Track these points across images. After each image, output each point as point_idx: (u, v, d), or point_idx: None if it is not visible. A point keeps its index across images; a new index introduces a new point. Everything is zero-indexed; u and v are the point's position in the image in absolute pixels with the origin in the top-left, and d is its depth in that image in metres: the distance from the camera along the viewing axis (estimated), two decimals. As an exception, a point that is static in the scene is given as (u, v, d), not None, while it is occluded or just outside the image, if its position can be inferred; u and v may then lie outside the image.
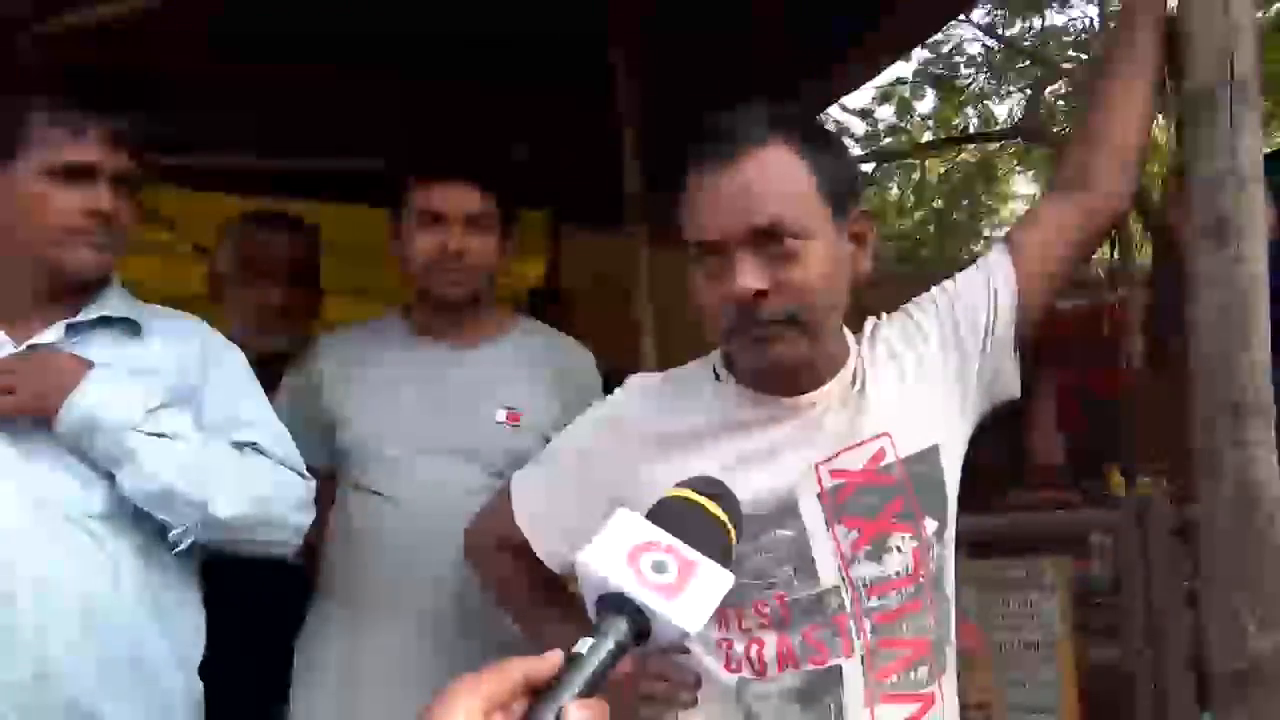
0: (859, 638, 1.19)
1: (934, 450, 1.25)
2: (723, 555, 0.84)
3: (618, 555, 0.78)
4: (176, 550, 1.42)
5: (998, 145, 7.91)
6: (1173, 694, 2.58)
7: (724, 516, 0.86)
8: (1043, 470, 4.21)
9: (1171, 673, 2.59)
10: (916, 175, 8.57)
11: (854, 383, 1.26)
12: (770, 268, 1.14)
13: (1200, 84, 1.18)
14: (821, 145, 1.19)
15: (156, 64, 2.51)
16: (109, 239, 1.47)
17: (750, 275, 1.13)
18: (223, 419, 1.51)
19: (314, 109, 2.84)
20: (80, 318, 1.48)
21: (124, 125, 1.47)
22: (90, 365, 1.42)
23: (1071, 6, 6.83)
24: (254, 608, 1.73)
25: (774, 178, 1.14)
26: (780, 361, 1.18)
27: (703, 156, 1.17)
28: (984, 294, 1.30)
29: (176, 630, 1.46)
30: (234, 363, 1.59)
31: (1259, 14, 5.08)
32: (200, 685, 1.50)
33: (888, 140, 7.92)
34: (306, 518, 1.52)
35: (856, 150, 7.94)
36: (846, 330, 1.29)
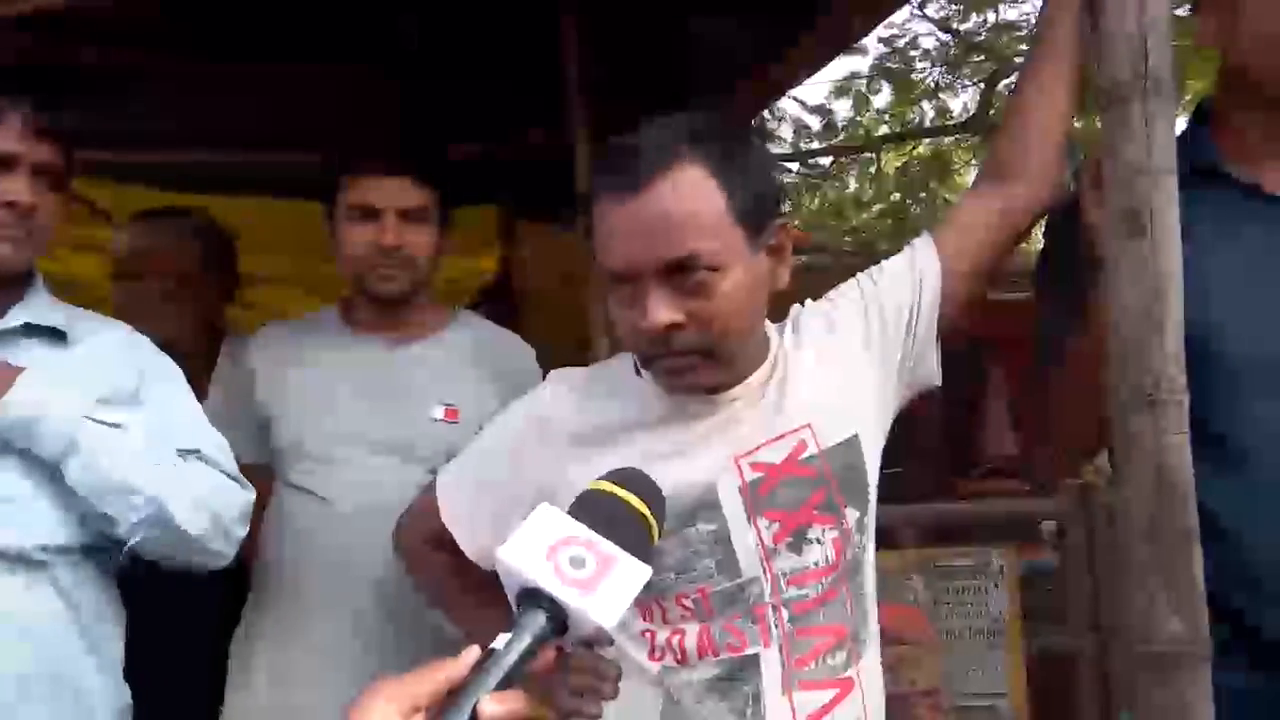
0: (777, 626, 1.20)
1: (855, 440, 1.26)
2: (642, 548, 0.85)
3: (536, 550, 0.80)
4: (127, 546, 1.39)
5: (953, 139, 7.98)
6: (1117, 678, 2.63)
7: (644, 509, 0.88)
8: (993, 459, 4.26)
9: (1115, 657, 2.63)
10: (873, 169, 8.64)
11: (774, 375, 1.27)
12: (683, 299, 1.13)
13: (1114, 78, 1.20)
14: (735, 161, 1.16)
15: (97, 57, 2.47)
16: (28, 233, 1.42)
17: (663, 310, 1.12)
18: (161, 428, 1.48)
19: (255, 103, 2.81)
20: (3, 325, 1.43)
21: (46, 116, 1.42)
22: (20, 368, 1.37)
23: (1024, 1, 6.90)
24: (190, 609, 1.72)
25: (685, 208, 1.11)
26: (694, 390, 1.21)
27: (610, 181, 1.15)
28: (908, 282, 1.32)
29: (98, 639, 1.43)
30: (169, 372, 1.56)
31: (1187, 12, 5.18)
32: (127, 692, 1.48)
33: (844, 134, 7.96)
34: (244, 530, 1.50)
35: (814, 145, 7.99)
36: (768, 322, 1.29)
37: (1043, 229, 1.49)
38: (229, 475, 1.50)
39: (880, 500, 1.31)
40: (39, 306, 1.49)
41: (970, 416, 4.60)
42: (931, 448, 4.18)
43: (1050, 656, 2.86)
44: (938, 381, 1.34)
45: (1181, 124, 1.36)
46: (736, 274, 1.14)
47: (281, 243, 3.07)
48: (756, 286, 1.19)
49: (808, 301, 1.36)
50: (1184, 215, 1.18)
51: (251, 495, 1.53)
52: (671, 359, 1.16)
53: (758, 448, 1.23)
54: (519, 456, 1.29)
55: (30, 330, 1.46)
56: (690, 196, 1.12)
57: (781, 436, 1.23)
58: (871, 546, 1.29)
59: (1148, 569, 1.15)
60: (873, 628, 1.28)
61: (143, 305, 2.00)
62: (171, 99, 2.75)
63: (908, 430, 1.38)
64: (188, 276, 2.14)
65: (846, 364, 1.29)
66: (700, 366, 1.17)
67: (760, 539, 1.20)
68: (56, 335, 1.48)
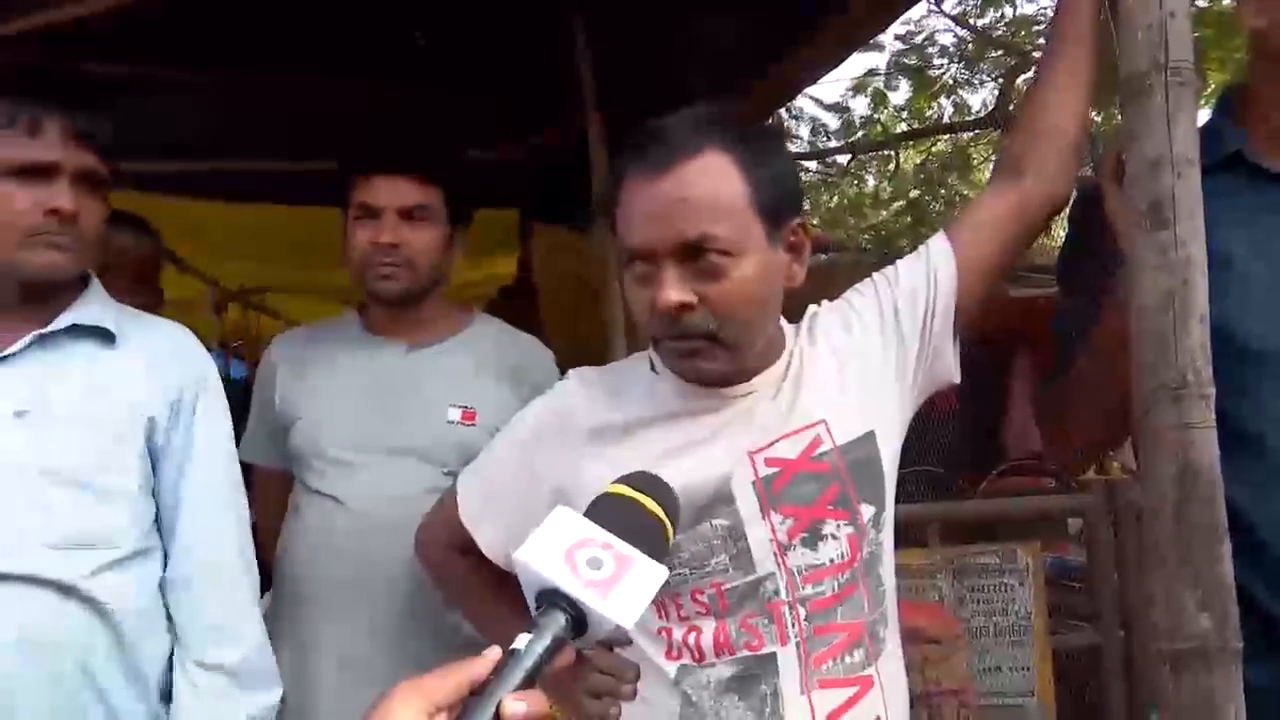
0: (794, 625, 1.20)
1: (870, 437, 1.26)
2: (658, 550, 0.87)
3: (555, 552, 0.81)
4: None
5: (972, 134, 7.95)
6: (1144, 675, 2.61)
7: (660, 512, 0.89)
8: (1018, 456, 4.23)
9: (1142, 654, 2.61)
10: (892, 166, 8.62)
11: (789, 371, 1.27)
12: (697, 281, 1.14)
13: (1135, 69, 1.19)
14: (759, 155, 1.18)
15: (108, 68, 2.49)
16: (73, 239, 1.42)
17: (675, 289, 1.14)
18: (182, 449, 1.50)
19: (277, 111, 2.83)
20: (51, 327, 1.43)
21: (86, 123, 1.43)
22: None
23: (1041, -5, 6.87)
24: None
25: (707, 191, 1.14)
26: (702, 375, 1.21)
27: (637, 161, 1.17)
28: (924, 280, 1.31)
29: (137, 662, 1.43)
30: (212, 388, 1.55)
31: (1207, 2, 5.13)
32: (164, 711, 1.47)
33: (862, 133, 7.94)
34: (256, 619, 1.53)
35: (832, 143, 7.98)
36: (783, 319, 1.30)
37: (1065, 222, 1.48)
38: (233, 565, 1.51)
39: (905, 498, 1.30)
40: (93, 309, 1.49)
41: (996, 413, 4.58)
42: (956, 444, 4.16)
43: (1078, 653, 2.84)
44: (956, 378, 1.33)
45: (1204, 115, 1.34)
46: (751, 262, 1.16)
47: (296, 250, 3.10)
48: (771, 279, 1.20)
49: (823, 302, 1.36)
50: (1209, 206, 1.16)
51: (255, 585, 1.54)
52: (679, 341, 1.17)
53: (772, 443, 1.23)
54: (537, 456, 1.30)
55: (78, 332, 1.46)
56: (712, 181, 1.14)
57: (796, 432, 1.23)
58: (890, 543, 1.28)
59: (1174, 565, 1.13)
60: (893, 625, 1.27)
61: None
62: (186, 109, 2.77)
63: (933, 427, 1.37)
64: (154, 287, 2.15)
65: (862, 362, 1.29)
66: (706, 351, 1.17)
67: (774, 534, 1.20)
68: (105, 336, 1.48)
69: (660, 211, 1.14)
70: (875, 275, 1.35)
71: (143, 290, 2.08)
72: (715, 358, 1.18)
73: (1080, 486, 3.24)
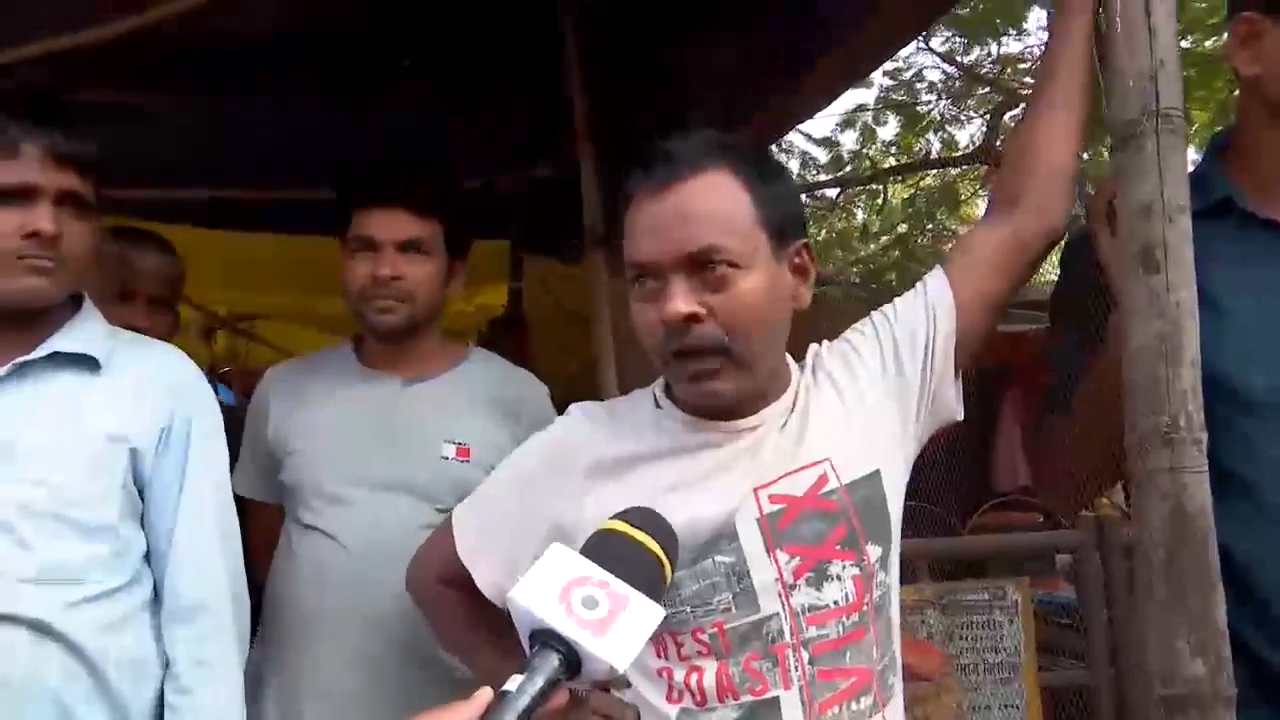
0: (797, 668, 1.18)
1: (876, 476, 1.25)
2: (655, 589, 0.85)
3: (549, 591, 0.80)
4: None
5: (960, 170, 8.03)
6: (1134, 713, 2.60)
7: (658, 550, 0.88)
8: (1006, 491, 4.24)
9: (1132, 692, 2.60)
10: (880, 201, 8.69)
11: (794, 408, 1.26)
12: (704, 293, 1.15)
13: (1125, 116, 1.20)
14: (764, 175, 1.20)
15: (106, 95, 2.50)
16: (56, 262, 1.39)
17: (682, 300, 1.14)
18: (173, 478, 1.48)
19: (269, 140, 2.83)
20: (30, 356, 1.40)
21: (67, 144, 1.40)
22: None
23: (1028, 34, 6.96)
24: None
25: (712, 204, 1.15)
26: (714, 397, 1.19)
27: (643, 179, 1.18)
28: (923, 317, 1.31)
29: (126, 699, 1.41)
30: (207, 414, 1.53)
31: (1190, 44, 5.21)
32: None
33: (851, 167, 8.01)
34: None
35: (821, 177, 8.03)
36: (789, 357, 1.29)
37: (1058, 263, 1.48)
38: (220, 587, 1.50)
39: None
40: (79, 334, 1.45)
41: (984, 448, 4.58)
42: (945, 479, 4.16)
43: (1069, 691, 2.83)
44: (959, 416, 1.33)
45: (1193, 155, 1.36)
46: (758, 275, 1.16)
47: (285, 278, 3.09)
48: (778, 295, 1.20)
49: (824, 341, 1.36)
50: (1200, 250, 1.17)
51: (239, 605, 1.54)
52: (692, 362, 1.17)
53: (778, 479, 1.21)
54: (537, 491, 1.28)
55: (61, 359, 1.43)
56: (717, 196, 1.16)
57: (802, 469, 1.22)
58: (896, 585, 1.27)
59: (1168, 609, 1.13)
60: (899, 670, 1.25)
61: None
62: (175, 135, 2.77)
63: (920, 463, 1.37)
64: (173, 308, 2.12)
65: (866, 402, 1.28)
66: (720, 370, 1.17)
67: (780, 573, 1.19)
68: (90, 363, 1.44)
69: (666, 224, 1.15)
70: (874, 314, 1.35)
71: (160, 313, 2.03)
72: (726, 377, 1.17)
73: (1069, 522, 3.24)
